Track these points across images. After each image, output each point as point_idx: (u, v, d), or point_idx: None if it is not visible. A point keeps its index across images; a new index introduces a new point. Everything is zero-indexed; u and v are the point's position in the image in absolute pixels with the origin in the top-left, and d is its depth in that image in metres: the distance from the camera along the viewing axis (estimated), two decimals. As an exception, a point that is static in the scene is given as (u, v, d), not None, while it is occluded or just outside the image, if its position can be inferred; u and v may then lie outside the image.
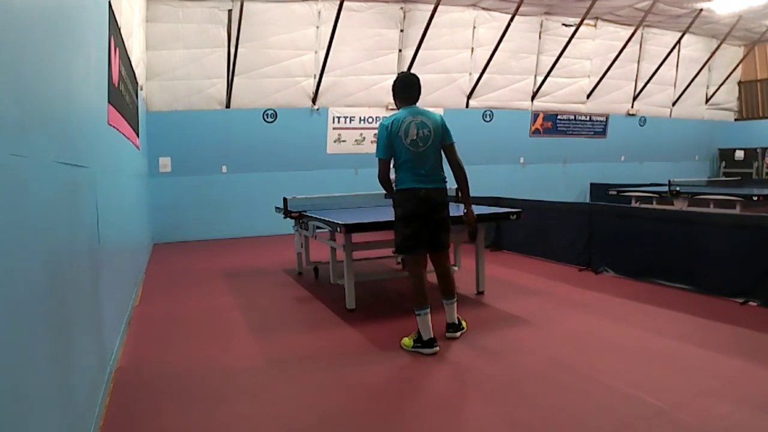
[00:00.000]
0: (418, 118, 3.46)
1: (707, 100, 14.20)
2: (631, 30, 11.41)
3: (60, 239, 1.93)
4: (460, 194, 3.71)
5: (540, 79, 11.69)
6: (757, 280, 4.24)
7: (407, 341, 3.50)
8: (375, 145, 3.62)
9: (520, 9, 10.05)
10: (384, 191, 3.64)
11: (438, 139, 3.50)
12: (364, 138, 10.62)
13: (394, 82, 3.61)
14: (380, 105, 10.71)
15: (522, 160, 12.24)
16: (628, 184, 10.34)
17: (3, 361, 1.22)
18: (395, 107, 3.65)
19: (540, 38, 11.47)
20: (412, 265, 3.55)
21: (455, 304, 3.72)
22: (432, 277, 3.74)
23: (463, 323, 3.81)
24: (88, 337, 2.41)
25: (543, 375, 3.04)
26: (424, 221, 3.47)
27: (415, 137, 3.42)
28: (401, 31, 10.32)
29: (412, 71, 3.67)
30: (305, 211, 5.19)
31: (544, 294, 4.95)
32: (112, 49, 3.73)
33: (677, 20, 11.58)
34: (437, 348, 3.40)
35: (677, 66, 13.08)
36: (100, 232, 2.90)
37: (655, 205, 8.08)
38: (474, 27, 10.82)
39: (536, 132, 12.25)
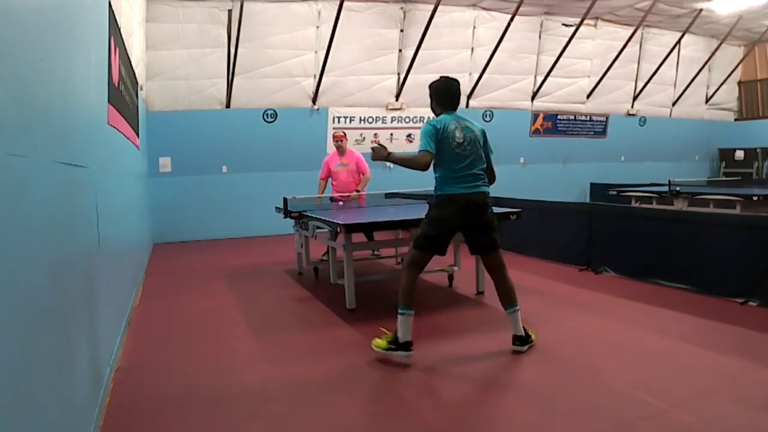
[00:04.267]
0: (463, 123, 3.39)
1: (707, 100, 14.20)
2: (631, 30, 11.41)
3: (60, 239, 1.93)
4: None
5: (540, 79, 11.69)
6: (757, 280, 4.23)
7: (380, 342, 3.33)
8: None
9: (520, 9, 10.05)
10: (391, 156, 3.38)
11: (481, 146, 3.42)
12: (364, 138, 10.62)
13: (436, 86, 3.46)
14: (380, 105, 10.72)
15: (522, 160, 12.24)
16: (628, 184, 10.33)
17: (3, 361, 1.22)
18: (433, 112, 3.50)
19: (540, 38, 11.47)
20: (416, 264, 3.37)
21: (518, 312, 3.41)
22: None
23: (532, 335, 3.46)
24: (88, 336, 2.41)
25: (543, 375, 3.04)
26: (464, 227, 3.38)
27: (461, 140, 3.31)
28: (401, 31, 10.32)
29: (449, 76, 3.50)
30: (305, 211, 5.19)
31: (544, 294, 4.94)
32: (112, 49, 3.73)
33: (677, 20, 11.59)
34: (412, 352, 3.24)
35: (677, 66, 13.09)
36: (100, 232, 2.90)
37: (655, 205, 8.08)
38: (474, 27, 10.82)
39: (536, 132, 12.25)
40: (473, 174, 3.34)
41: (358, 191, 6.49)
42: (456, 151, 3.29)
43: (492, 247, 3.43)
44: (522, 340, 3.39)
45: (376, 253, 6.36)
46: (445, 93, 3.45)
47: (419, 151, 3.27)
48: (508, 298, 3.44)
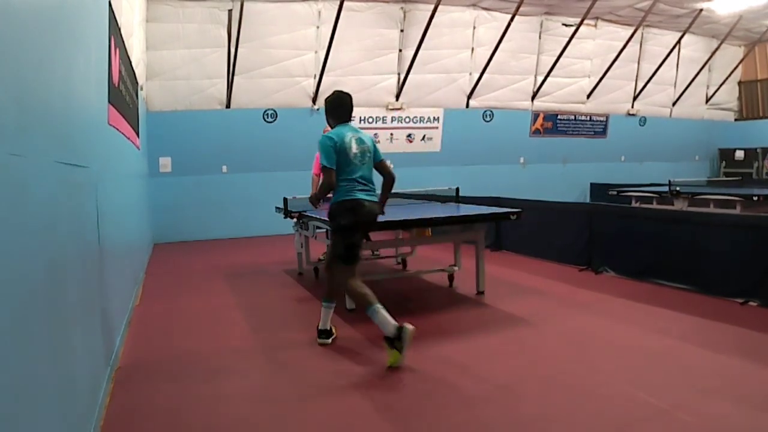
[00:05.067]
0: (356, 135, 3.60)
1: (707, 100, 14.21)
2: (631, 30, 11.42)
3: (60, 239, 1.93)
4: (382, 193, 3.77)
5: (540, 79, 11.70)
6: (757, 280, 4.23)
7: (393, 359, 3.19)
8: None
9: (520, 9, 10.05)
10: (314, 198, 3.75)
11: (372, 156, 3.64)
12: (364, 138, 10.61)
13: (330, 100, 3.69)
14: (380, 105, 10.72)
15: (522, 160, 12.24)
16: (628, 184, 10.34)
17: (3, 361, 1.22)
18: (328, 124, 3.76)
19: (540, 38, 11.48)
20: (350, 276, 3.48)
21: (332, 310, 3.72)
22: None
23: (335, 330, 3.74)
24: (89, 337, 2.41)
25: (543, 375, 3.04)
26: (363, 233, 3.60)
27: (356, 151, 3.52)
28: (401, 31, 10.33)
29: (342, 90, 3.82)
30: (305, 211, 5.19)
31: (544, 294, 4.95)
32: (112, 49, 3.73)
33: (677, 20, 11.59)
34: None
35: (677, 66, 13.09)
36: (101, 232, 2.90)
37: (655, 206, 8.08)
38: (474, 27, 10.83)
39: (536, 132, 12.25)
40: (369, 183, 3.57)
41: None
42: (354, 162, 3.50)
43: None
44: (327, 333, 3.66)
45: (375, 253, 6.36)
46: (339, 106, 3.66)
47: (322, 166, 3.48)
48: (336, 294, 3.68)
